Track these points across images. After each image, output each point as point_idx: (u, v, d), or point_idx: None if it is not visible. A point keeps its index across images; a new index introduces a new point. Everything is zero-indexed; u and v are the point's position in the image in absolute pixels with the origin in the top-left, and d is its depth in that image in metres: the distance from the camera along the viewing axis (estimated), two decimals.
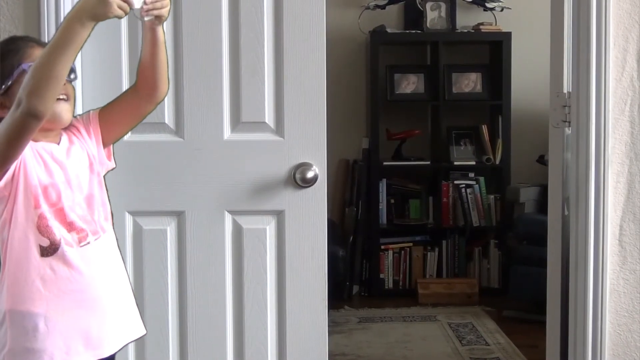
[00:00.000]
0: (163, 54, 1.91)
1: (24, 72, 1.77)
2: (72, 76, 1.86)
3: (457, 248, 5.52)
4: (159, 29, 1.87)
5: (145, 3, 1.77)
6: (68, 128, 1.91)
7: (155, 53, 1.89)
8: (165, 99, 2.38)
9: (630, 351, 2.49)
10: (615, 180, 2.46)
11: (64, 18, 1.70)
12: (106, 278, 1.86)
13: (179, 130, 2.42)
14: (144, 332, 1.99)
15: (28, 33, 2.24)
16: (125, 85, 2.39)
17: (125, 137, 2.39)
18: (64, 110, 1.84)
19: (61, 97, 1.81)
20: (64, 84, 1.78)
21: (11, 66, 1.81)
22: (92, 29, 1.68)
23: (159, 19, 1.81)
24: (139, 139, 2.40)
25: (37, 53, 1.79)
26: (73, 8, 1.68)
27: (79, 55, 1.76)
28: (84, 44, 1.69)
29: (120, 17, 1.69)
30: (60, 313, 1.77)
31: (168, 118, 2.41)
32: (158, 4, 1.78)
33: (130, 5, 1.70)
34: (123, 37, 2.40)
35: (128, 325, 1.93)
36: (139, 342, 2.22)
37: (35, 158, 1.80)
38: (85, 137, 1.93)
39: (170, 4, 1.83)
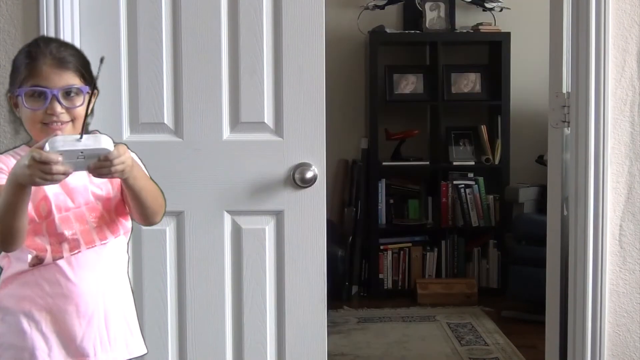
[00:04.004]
0: (145, 196, 1.77)
1: (18, 97, 1.75)
2: (79, 104, 1.77)
3: (456, 248, 5.52)
4: (130, 179, 1.70)
5: (88, 168, 1.58)
6: None
7: (135, 198, 1.77)
8: (165, 98, 2.40)
9: (630, 351, 2.49)
10: (615, 181, 2.46)
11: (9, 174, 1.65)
12: (96, 287, 1.81)
13: (178, 130, 2.41)
14: (145, 351, 1.93)
15: (27, 34, 2.24)
16: (124, 83, 2.39)
17: (125, 137, 2.40)
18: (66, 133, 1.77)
19: (60, 121, 1.75)
20: (66, 112, 1.75)
21: (20, 82, 1.77)
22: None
23: (120, 174, 1.65)
24: (138, 139, 2.39)
25: (46, 73, 1.74)
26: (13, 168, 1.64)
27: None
28: (29, 197, 1.65)
29: (53, 183, 1.60)
30: (43, 315, 1.77)
31: (167, 118, 2.41)
32: (105, 168, 1.60)
33: (63, 173, 1.56)
34: (122, 35, 2.40)
35: (122, 343, 1.87)
36: None
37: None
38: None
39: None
